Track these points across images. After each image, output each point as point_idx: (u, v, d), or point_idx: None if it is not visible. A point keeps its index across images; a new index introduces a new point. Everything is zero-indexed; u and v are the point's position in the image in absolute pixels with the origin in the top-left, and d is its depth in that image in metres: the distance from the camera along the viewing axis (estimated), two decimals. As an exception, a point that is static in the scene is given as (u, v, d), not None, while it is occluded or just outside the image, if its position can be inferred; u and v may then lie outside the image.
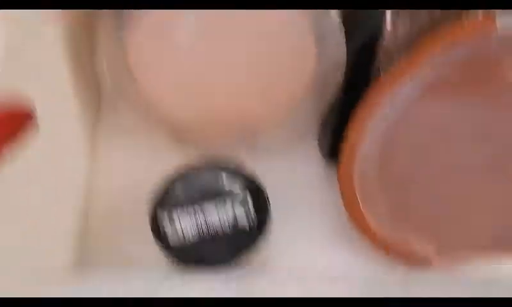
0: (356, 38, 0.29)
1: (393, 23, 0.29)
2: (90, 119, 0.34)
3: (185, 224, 0.28)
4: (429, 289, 0.27)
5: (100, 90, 0.35)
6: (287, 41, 0.29)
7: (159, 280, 0.27)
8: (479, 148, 0.30)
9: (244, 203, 0.29)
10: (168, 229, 0.28)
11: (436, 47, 0.26)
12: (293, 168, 0.35)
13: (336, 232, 0.34)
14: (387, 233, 0.31)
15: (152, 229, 0.28)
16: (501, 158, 0.30)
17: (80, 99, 0.32)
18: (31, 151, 0.23)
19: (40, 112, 0.21)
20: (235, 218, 0.28)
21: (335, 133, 0.31)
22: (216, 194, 0.29)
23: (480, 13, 0.26)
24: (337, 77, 0.29)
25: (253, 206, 0.29)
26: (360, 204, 0.30)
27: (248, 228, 0.29)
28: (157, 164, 0.33)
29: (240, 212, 0.29)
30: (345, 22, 0.27)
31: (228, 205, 0.29)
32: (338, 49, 0.28)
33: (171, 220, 0.28)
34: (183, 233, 0.28)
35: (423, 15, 0.28)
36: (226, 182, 0.29)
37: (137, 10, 0.28)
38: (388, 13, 0.28)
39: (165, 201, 0.29)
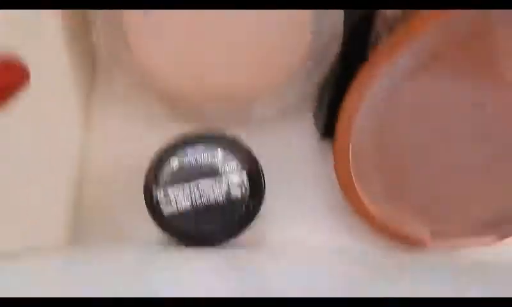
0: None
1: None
2: (85, 88, 0.34)
3: (180, 199, 0.28)
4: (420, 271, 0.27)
5: (95, 59, 0.35)
6: (284, 11, 0.28)
7: (152, 256, 0.27)
8: (475, 125, 0.30)
9: (239, 176, 0.28)
10: (163, 205, 0.28)
11: (433, 14, 0.25)
12: (288, 141, 0.34)
13: (331, 206, 0.34)
14: (381, 212, 0.31)
15: (146, 205, 0.28)
16: (498, 138, 0.30)
17: (75, 67, 0.31)
18: (23, 119, 0.23)
19: (34, 79, 0.21)
20: (229, 191, 0.28)
21: (330, 108, 0.30)
22: (211, 170, 0.28)
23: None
24: (334, 46, 0.28)
25: (248, 180, 0.28)
26: (355, 183, 0.30)
27: (242, 202, 0.28)
28: (151, 133, 0.33)
29: (234, 185, 0.28)
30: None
31: (223, 179, 0.28)
32: (335, 16, 0.27)
33: (166, 196, 0.28)
34: (177, 207, 0.28)
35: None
36: (221, 156, 0.28)
37: None
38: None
39: (160, 177, 0.28)
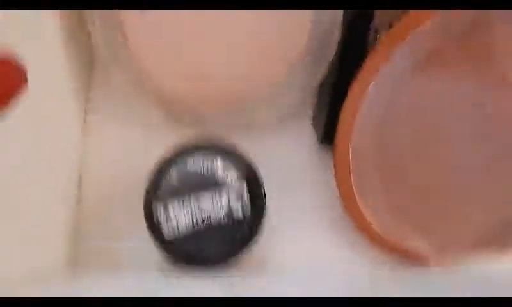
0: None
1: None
2: (83, 89, 0.33)
3: (180, 218, 0.28)
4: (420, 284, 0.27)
5: (93, 60, 0.34)
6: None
7: (153, 280, 0.26)
8: (475, 125, 0.29)
9: (239, 188, 0.28)
10: (164, 224, 0.28)
11: (431, 13, 0.25)
12: (287, 147, 0.34)
13: (331, 218, 0.34)
14: (382, 226, 0.31)
15: (147, 224, 0.28)
16: (498, 138, 0.29)
17: (73, 68, 0.31)
18: (21, 123, 0.22)
19: (32, 81, 0.21)
20: (229, 206, 0.28)
21: (330, 111, 0.30)
22: (211, 183, 0.28)
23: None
24: (333, 42, 0.28)
25: (248, 193, 0.28)
26: (355, 193, 0.29)
27: (243, 219, 0.28)
28: (149, 137, 0.33)
29: (235, 198, 0.28)
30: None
31: (224, 195, 0.28)
32: (334, 13, 0.27)
33: (166, 213, 0.28)
34: (178, 228, 0.28)
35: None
36: (221, 168, 0.28)
37: None
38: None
39: (160, 191, 0.28)
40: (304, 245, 0.33)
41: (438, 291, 0.23)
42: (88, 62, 0.34)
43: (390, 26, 0.28)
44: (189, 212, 0.28)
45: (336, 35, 0.28)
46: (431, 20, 0.25)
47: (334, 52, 0.28)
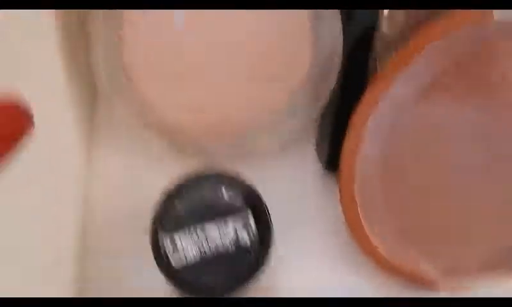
0: (352, 28, 0.28)
1: (389, 12, 0.28)
2: (86, 125, 0.33)
3: (187, 249, 0.28)
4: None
5: (96, 95, 0.35)
6: (281, 35, 0.28)
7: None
8: (481, 149, 0.29)
9: (245, 218, 0.28)
10: (171, 255, 0.28)
11: (433, 36, 0.25)
12: (291, 175, 0.34)
13: (337, 244, 0.34)
14: (389, 250, 0.31)
15: (154, 256, 0.28)
16: (507, 162, 0.29)
17: (76, 103, 0.31)
18: (26, 160, 0.22)
19: (35, 118, 0.21)
20: (236, 236, 0.28)
21: (333, 139, 0.30)
22: (217, 213, 0.28)
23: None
24: (334, 72, 0.28)
25: (254, 222, 0.28)
26: (362, 219, 0.29)
27: (250, 248, 0.28)
28: (153, 169, 0.33)
29: (241, 228, 0.28)
30: (341, 12, 0.26)
31: (230, 224, 0.28)
32: (334, 40, 0.27)
33: (173, 244, 0.28)
34: (185, 258, 0.28)
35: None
36: (227, 197, 0.28)
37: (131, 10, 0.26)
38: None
39: (165, 222, 0.28)
40: (311, 272, 0.33)
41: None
42: (90, 95, 0.34)
43: (390, 52, 0.29)
44: (196, 243, 0.28)
45: (337, 62, 0.28)
46: (430, 46, 0.25)
47: (335, 80, 0.28)
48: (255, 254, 0.28)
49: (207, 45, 0.28)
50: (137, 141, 0.34)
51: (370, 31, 0.27)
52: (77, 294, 0.31)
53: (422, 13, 0.28)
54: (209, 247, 0.28)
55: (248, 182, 0.29)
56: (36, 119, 0.20)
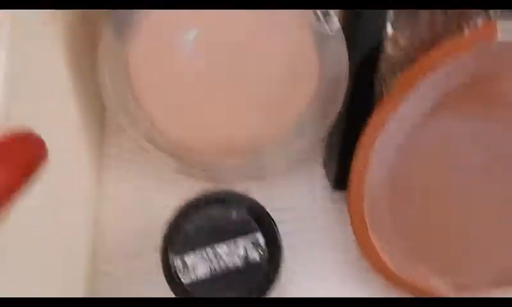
0: (356, 50, 0.28)
1: (394, 34, 0.28)
2: (95, 148, 0.34)
3: (198, 269, 0.28)
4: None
5: (105, 116, 0.35)
6: (288, 57, 0.28)
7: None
8: (490, 167, 0.29)
9: (255, 240, 0.28)
10: (181, 276, 0.28)
11: (439, 58, 0.25)
12: (300, 194, 0.34)
13: (347, 261, 0.34)
14: (400, 267, 0.31)
15: (165, 277, 0.28)
16: None
17: (86, 127, 0.31)
18: (38, 185, 0.23)
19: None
20: (246, 255, 0.28)
21: (341, 159, 0.30)
22: (227, 233, 0.28)
23: (480, 22, 0.26)
24: (341, 93, 0.28)
25: (264, 241, 0.28)
26: (372, 238, 0.30)
27: (260, 266, 0.28)
28: (163, 192, 0.34)
29: (251, 248, 0.28)
30: (346, 33, 0.26)
31: (240, 244, 0.28)
32: (340, 62, 0.27)
33: (184, 266, 0.28)
34: (196, 278, 0.28)
35: (423, 24, 0.28)
36: (236, 217, 0.28)
37: (138, 28, 0.27)
38: (389, 24, 0.27)
39: (176, 244, 0.28)
40: (320, 289, 0.34)
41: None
42: (100, 119, 0.35)
43: (395, 74, 0.29)
44: (206, 263, 0.28)
45: (343, 84, 0.28)
46: (439, 68, 0.25)
47: (342, 101, 0.28)
48: (264, 272, 0.28)
49: (215, 66, 0.28)
50: (146, 162, 0.34)
51: (375, 53, 0.28)
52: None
53: (425, 34, 0.28)
54: (219, 266, 0.28)
55: (257, 201, 0.29)
56: (48, 146, 0.21)
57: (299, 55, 0.28)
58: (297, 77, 0.29)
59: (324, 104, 0.29)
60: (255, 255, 0.28)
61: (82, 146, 0.31)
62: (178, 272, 0.28)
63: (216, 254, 0.28)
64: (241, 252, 0.28)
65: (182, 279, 0.28)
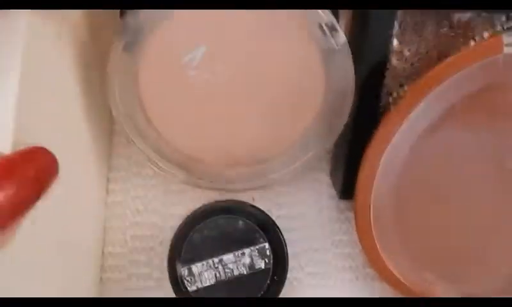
0: (363, 63, 0.28)
1: (400, 47, 0.28)
2: (104, 159, 0.34)
3: (204, 279, 0.28)
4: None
5: (113, 129, 0.35)
6: (295, 71, 0.28)
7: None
8: (496, 178, 0.30)
9: (262, 250, 0.28)
10: (188, 286, 0.28)
11: (445, 72, 0.26)
12: (306, 203, 0.35)
13: (353, 269, 0.34)
14: (407, 277, 0.31)
15: (172, 287, 0.28)
16: None
17: (94, 138, 0.32)
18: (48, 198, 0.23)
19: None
20: (253, 265, 0.28)
21: (347, 168, 0.30)
22: (233, 241, 0.29)
23: (486, 35, 0.26)
24: (347, 106, 0.28)
25: (270, 250, 0.29)
26: (379, 248, 0.30)
27: (266, 276, 0.28)
28: (171, 203, 0.34)
29: (258, 258, 0.28)
30: (352, 47, 0.27)
31: (246, 254, 0.28)
32: (346, 75, 0.28)
33: (191, 276, 0.28)
34: (202, 287, 0.28)
35: (429, 38, 0.28)
36: (243, 227, 0.29)
37: (147, 43, 0.27)
38: (395, 37, 0.28)
39: (183, 254, 0.28)
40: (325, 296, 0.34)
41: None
42: (108, 130, 0.35)
43: (401, 86, 0.29)
44: (212, 271, 0.28)
45: (349, 97, 0.28)
46: (445, 81, 0.26)
47: (348, 114, 0.29)
48: (270, 280, 0.28)
49: (223, 80, 0.28)
50: (153, 174, 0.34)
51: (381, 66, 0.28)
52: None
53: (432, 47, 0.28)
54: (225, 274, 0.28)
55: (263, 211, 0.29)
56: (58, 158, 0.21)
57: (305, 70, 0.28)
58: (303, 91, 0.29)
59: (330, 118, 0.29)
60: (260, 263, 0.28)
61: (90, 158, 0.32)
62: (184, 281, 0.28)
63: (222, 263, 0.28)
64: (247, 260, 0.28)
65: (188, 288, 0.28)
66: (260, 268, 0.28)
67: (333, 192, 0.34)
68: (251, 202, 0.30)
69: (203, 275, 0.28)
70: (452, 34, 0.28)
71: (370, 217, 0.29)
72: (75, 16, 0.28)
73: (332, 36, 0.26)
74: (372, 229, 0.29)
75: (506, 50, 0.25)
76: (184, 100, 0.29)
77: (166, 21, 0.26)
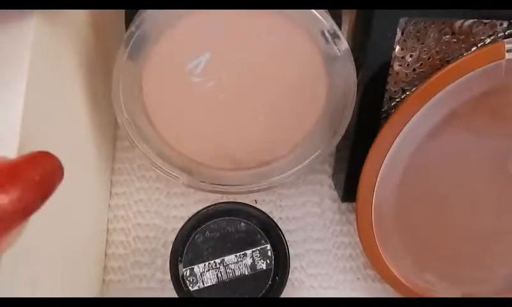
0: (365, 69, 0.28)
1: (402, 53, 0.28)
2: (107, 161, 0.34)
3: (207, 281, 0.28)
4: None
5: (116, 132, 0.35)
6: (298, 77, 0.29)
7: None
8: (497, 181, 0.30)
9: (263, 252, 0.29)
10: (190, 288, 0.28)
11: (447, 78, 0.26)
12: (308, 205, 0.35)
13: (354, 270, 0.34)
14: (408, 276, 0.31)
15: (175, 288, 0.29)
16: None
17: (98, 141, 0.32)
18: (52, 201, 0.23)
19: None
20: (255, 266, 0.29)
21: (350, 170, 0.30)
22: (235, 244, 0.29)
23: (488, 41, 0.26)
24: (349, 109, 0.29)
25: (272, 251, 0.29)
26: (380, 250, 0.30)
27: (267, 276, 0.29)
28: (173, 205, 0.34)
29: (259, 260, 0.29)
30: (354, 54, 0.27)
31: (248, 256, 0.29)
32: (349, 79, 0.28)
33: (193, 277, 0.28)
34: (204, 289, 0.28)
35: (431, 44, 0.28)
36: (245, 229, 0.29)
37: (152, 50, 0.27)
38: (397, 42, 0.28)
39: (185, 256, 0.29)
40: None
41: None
42: (112, 135, 0.35)
43: (403, 92, 0.29)
44: (214, 272, 0.28)
45: (351, 101, 0.28)
46: (447, 86, 0.26)
47: (350, 117, 0.29)
48: (271, 281, 0.29)
49: (226, 86, 0.29)
50: (156, 177, 0.35)
51: (383, 72, 0.28)
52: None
53: (434, 53, 0.28)
54: (227, 274, 0.28)
55: (265, 213, 0.29)
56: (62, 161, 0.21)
57: (308, 75, 0.28)
58: (306, 96, 0.29)
59: (332, 122, 0.29)
60: (262, 264, 0.29)
61: (94, 162, 0.32)
62: (186, 281, 0.29)
63: (224, 264, 0.29)
64: (249, 261, 0.29)
65: (190, 288, 0.29)
66: (262, 268, 0.29)
67: (335, 194, 0.35)
68: (253, 204, 0.31)
69: (204, 275, 0.29)
70: (454, 40, 0.28)
71: (372, 219, 0.29)
72: (81, 24, 0.28)
73: (334, 42, 0.26)
74: (374, 231, 0.30)
75: (508, 55, 0.25)
76: (187, 106, 0.29)
77: (170, 29, 0.26)
